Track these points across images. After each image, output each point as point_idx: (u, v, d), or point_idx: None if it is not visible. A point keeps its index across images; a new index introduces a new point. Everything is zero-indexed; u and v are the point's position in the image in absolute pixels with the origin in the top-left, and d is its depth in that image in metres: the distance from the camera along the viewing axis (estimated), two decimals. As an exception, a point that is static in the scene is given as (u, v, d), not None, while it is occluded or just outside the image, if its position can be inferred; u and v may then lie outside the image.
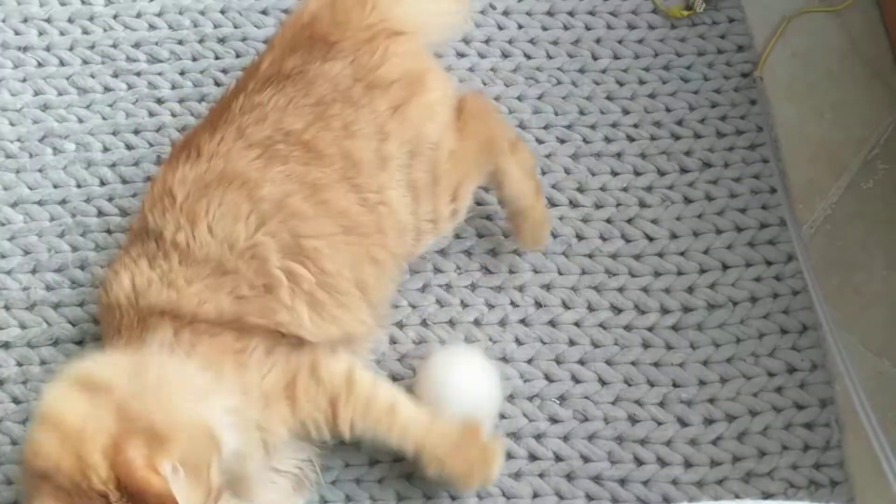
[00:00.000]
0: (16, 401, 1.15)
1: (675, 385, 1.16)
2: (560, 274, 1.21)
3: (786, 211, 1.21)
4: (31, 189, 1.25)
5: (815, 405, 1.15)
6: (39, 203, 1.24)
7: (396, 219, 1.05)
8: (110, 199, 1.24)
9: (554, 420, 1.14)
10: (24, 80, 1.31)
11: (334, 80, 1.04)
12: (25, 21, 1.35)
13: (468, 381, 1.08)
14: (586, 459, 1.12)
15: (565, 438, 1.13)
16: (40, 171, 1.26)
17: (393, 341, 1.17)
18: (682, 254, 1.23)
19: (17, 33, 1.34)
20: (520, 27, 1.36)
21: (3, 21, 1.35)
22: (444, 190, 1.08)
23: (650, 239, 1.23)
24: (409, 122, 1.05)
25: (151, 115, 1.29)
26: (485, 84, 1.32)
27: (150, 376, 0.90)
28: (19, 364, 1.16)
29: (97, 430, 0.84)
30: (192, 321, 0.95)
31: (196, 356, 0.94)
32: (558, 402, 1.15)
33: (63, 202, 1.24)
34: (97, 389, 0.87)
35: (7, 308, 1.19)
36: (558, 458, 1.12)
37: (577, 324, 1.19)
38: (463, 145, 1.10)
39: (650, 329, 1.19)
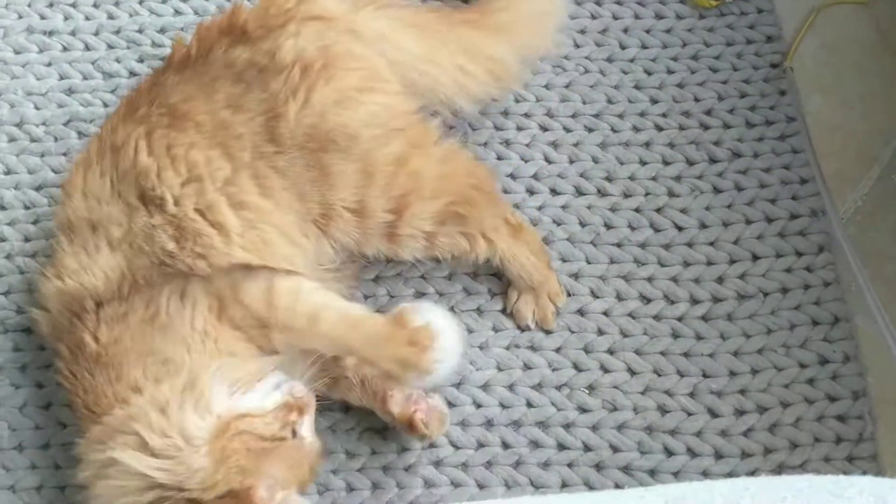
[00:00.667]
0: (39, 385, 1.14)
1: (705, 375, 1.14)
2: (588, 263, 1.20)
3: (825, 199, 1.20)
4: (55, 173, 1.25)
5: (847, 397, 1.13)
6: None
7: (281, 193, 1.01)
8: (135, 184, 1.24)
9: (583, 409, 1.13)
10: (49, 65, 1.31)
11: (231, 62, 1.03)
12: (51, 5, 1.35)
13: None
14: (615, 449, 1.11)
15: (594, 428, 1.12)
16: (65, 154, 1.26)
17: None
18: (711, 244, 1.21)
19: (42, 17, 1.34)
20: (547, 16, 1.35)
21: (29, 5, 1.35)
22: (380, 190, 1.03)
23: (679, 228, 1.22)
24: (313, 109, 1.01)
25: (177, 99, 1.28)
26: (512, 72, 1.31)
27: None
28: (41, 348, 1.15)
29: None
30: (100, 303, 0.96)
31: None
32: (587, 391, 1.14)
33: (88, 186, 1.24)
34: None
35: (30, 291, 1.18)
36: (587, 448, 1.11)
37: (605, 313, 1.17)
38: (430, 169, 1.05)
39: (680, 319, 1.17)
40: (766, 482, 0.56)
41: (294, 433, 0.95)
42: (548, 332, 1.16)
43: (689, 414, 1.13)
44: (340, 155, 1.02)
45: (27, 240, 1.21)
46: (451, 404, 1.12)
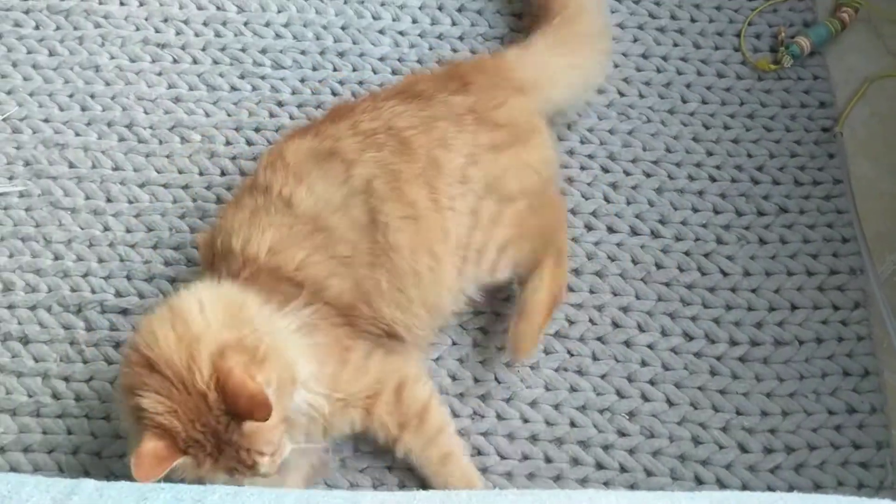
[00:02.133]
0: (130, 363, 1.25)
1: (738, 413, 1.23)
2: (637, 298, 1.29)
3: (865, 258, 1.29)
4: (158, 172, 1.37)
5: (871, 446, 1.21)
6: (165, 186, 1.36)
7: (456, 227, 1.14)
8: (229, 189, 1.35)
9: (622, 433, 1.21)
10: (159, 74, 1.44)
11: (453, 106, 1.17)
12: (165, 21, 1.48)
13: None
14: (649, 473, 1.19)
15: (631, 452, 1.21)
16: (168, 157, 1.38)
17: (476, 344, 1.26)
18: (753, 291, 1.30)
19: (157, 31, 1.47)
20: (615, 66, 1.45)
21: (146, 19, 1.48)
22: (498, 236, 1.16)
23: (724, 274, 1.31)
24: (500, 164, 1.17)
25: (272, 115, 1.41)
26: (579, 115, 1.41)
27: (265, 320, 1.01)
28: (134, 330, 1.27)
29: (213, 337, 0.95)
30: (318, 299, 1.06)
31: (312, 334, 1.04)
32: (627, 417, 1.22)
33: (186, 187, 1.36)
34: (229, 311, 0.99)
35: (129, 278, 1.30)
36: (623, 470, 1.20)
37: (650, 346, 1.26)
38: (532, 219, 1.19)
39: (718, 358, 1.26)
40: (798, 497, 0.64)
41: None
42: (595, 359, 1.25)
43: (721, 447, 1.21)
44: (491, 205, 1.16)
45: (128, 231, 1.33)
46: (500, 417, 1.22)
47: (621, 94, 1.43)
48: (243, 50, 1.46)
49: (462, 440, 1.17)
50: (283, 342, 1.01)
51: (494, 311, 1.28)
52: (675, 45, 1.48)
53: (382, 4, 1.50)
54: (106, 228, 1.33)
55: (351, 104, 1.21)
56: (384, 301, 1.11)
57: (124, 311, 1.28)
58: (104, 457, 1.19)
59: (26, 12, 1.48)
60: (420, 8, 1.50)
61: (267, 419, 0.92)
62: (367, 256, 1.10)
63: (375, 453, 1.19)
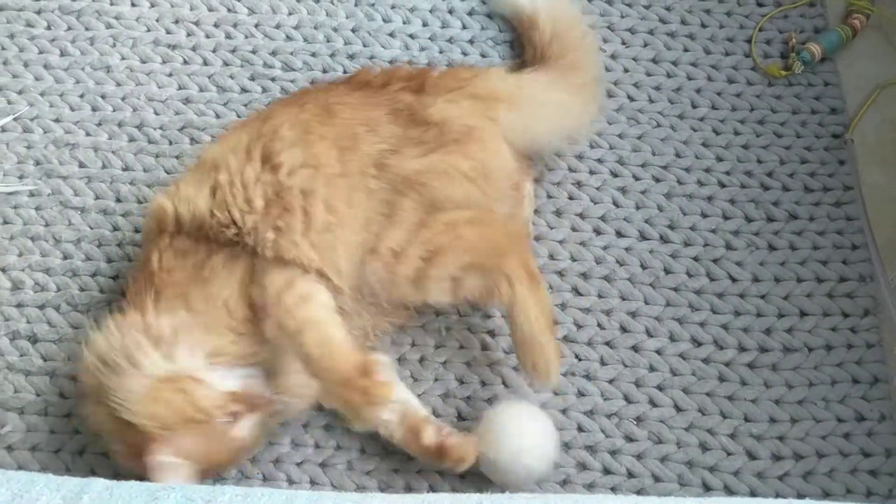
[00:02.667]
0: (138, 363, 1.25)
1: (746, 419, 1.22)
2: (646, 303, 1.29)
3: (875, 265, 1.28)
4: (167, 173, 1.37)
5: (880, 454, 1.20)
6: (174, 187, 1.36)
7: (365, 208, 1.11)
8: (238, 190, 1.36)
9: (629, 439, 1.21)
10: (170, 75, 1.44)
11: (395, 100, 1.18)
12: (176, 22, 1.48)
13: (528, 439, 1.12)
14: (657, 479, 1.19)
15: (639, 457, 1.20)
16: (177, 157, 1.38)
17: (483, 347, 1.26)
18: (762, 297, 1.30)
19: (168, 32, 1.48)
20: (625, 71, 1.45)
21: (157, 20, 1.48)
22: (421, 241, 1.11)
23: (733, 280, 1.30)
24: (423, 162, 1.13)
25: (281, 117, 1.41)
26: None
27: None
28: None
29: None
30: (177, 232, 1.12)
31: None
32: (635, 422, 1.22)
33: (195, 188, 1.36)
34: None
35: (137, 278, 1.30)
36: (631, 475, 1.19)
37: (658, 351, 1.26)
38: (470, 233, 1.12)
39: (727, 364, 1.25)
40: (807, 504, 0.64)
41: (229, 422, 1.03)
42: (603, 364, 1.25)
43: (729, 454, 1.20)
44: (412, 206, 1.12)
45: (137, 231, 1.33)
46: (507, 421, 1.21)
47: (631, 99, 1.43)
48: (254, 52, 1.46)
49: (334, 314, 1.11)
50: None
51: (504, 314, 1.28)
52: (686, 50, 1.47)
53: (393, 7, 1.50)
54: (115, 228, 1.33)
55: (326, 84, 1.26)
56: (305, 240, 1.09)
57: (132, 311, 1.28)
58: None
59: (38, 12, 1.49)
60: (430, 11, 1.50)
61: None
62: (271, 196, 1.09)
63: (382, 455, 1.19)
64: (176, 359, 1.04)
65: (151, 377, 1.02)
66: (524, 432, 1.12)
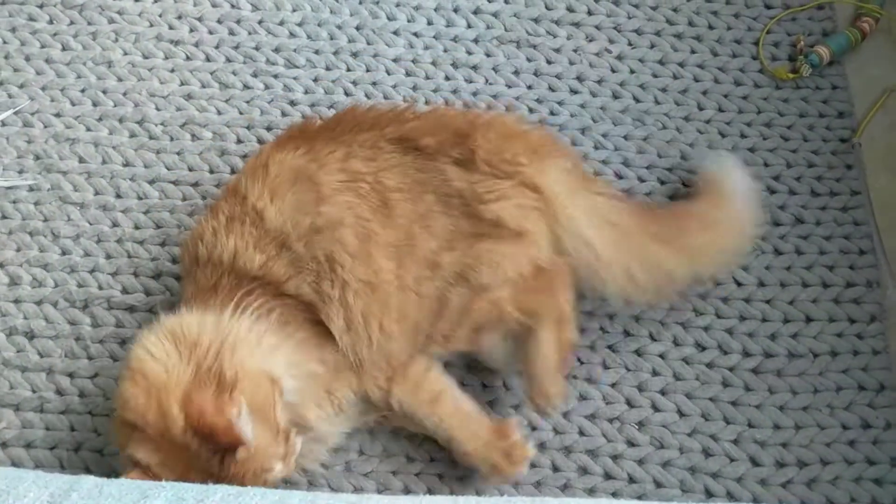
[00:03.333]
0: (135, 360, 1.24)
1: (750, 425, 1.21)
2: (650, 307, 1.27)
3: (883, 271, 1.26)
4: (168, 169, 1.36)
5: (886, 462, 1.18)
6: (174, 183, 1.35)
7: (417, 311, 1.11)
8: (238, 187, 1.34)
9: (631, 444, 1.20)
10: (172, 71, 1.43)
11: (448, 181, 1.12)
12: (180, 18, 1.47)
13: None
14: (658, 485, 1.17)
15: (640, 462, 1.19)
16: (178, 153, 1.37)
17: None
18: (768, 301, 1.28)
19: (170, 28, 1.47)
20: (632, 72, 1.44)
21: (160, 16, 1.47)
22: (468, 323, 1.12)
23: (739, 284, 1.29)
24: (476, 256, 1.11)
25: (284, 115, 1.40)
26: (594, 121, 1.40)
27: (229, 334, 1.01)
28: (141, 327, 1.24)
29: (176, 383, 0.95)
30: (281, 294, 1.07)
31: (280, 323, 1.06)
32: (637, 427, 1.20)
33: (196, 184, 1.35)
34: (183, 344, 0.99)
35: (136, 275, 1.29)
36: (632, 480, 1.18)
37: (661, 356, 1.24)
38: (511, 305, 1.12)
39: (731, 369, 1.24)
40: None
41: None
42: (605, 367, 1.23)
43: (732, 460, 1.19)
44: (461, 293, 1.11)
45: (137, 227, 1.32)
46: (508, 423, 1.20)
47: (637, 100, 1.42)
48: (257, 48, 1.45)
49: (450, 377, 1.15)
50: (250, 345, 1.01)
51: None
52: (693, 52, 1.46)
53: (398, 5, 1.49)
54: (114, 224, 1.32)
55: (356, 122, 1.16)
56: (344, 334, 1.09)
57: (131, 308, 1.27)
58: (107, 454, 1.18)
59: (41, 6, 1.48)
60: (435, 10, 1.49)
61: (250, 443, 0.92)
62: (327, 287, 1.08)
63: (381, 457, 1.18)
64: (274, 363, 1.03)
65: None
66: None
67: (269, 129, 1.38)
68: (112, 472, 1.14)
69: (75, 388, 1.22)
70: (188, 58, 1.44)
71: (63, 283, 1.28)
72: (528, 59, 1.44)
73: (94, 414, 1.21)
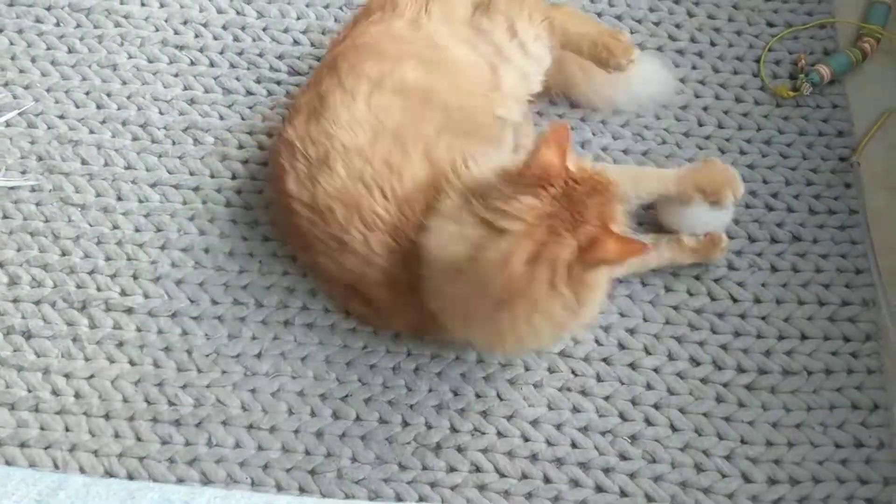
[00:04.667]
0: (131, 362, 1.25)
1: (743, 441, 1.21)
2: (645, 321, 1.28)
3: (878, 290, 1.27)
4: (169, 173, 1.37)
5: (878, 482, 1.18)
6: (176, 187, 1.36)
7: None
8: (238, 193, 1.35)
9: (623, 457, 1.20)
10: (176, 76, 1.44)
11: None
12: (185, 23, 1.48)
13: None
14: (650, 499, 1.17)
15: (632, 476, 1.19)
16: (180, 158, 1.38)
17: (479, 359, 1.25)
18: (763, 318, 1.28)
19: (176, 33, 1.48)
20: (633, 86, 1.45)
21: (166, 21, 1.48)
22: (502, 19, 1.26)
23: (734, 300, 1.29)
24: None
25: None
26: (594, 134, 1.40)
27: None
28: (138, 329, 1.27)
29: None
30: None
31: None
32: (629, 440, 1.21)
33: (196, 189, 1.36)
34: None
35: (135, 277, 1.30)
36: (623, 494, 1.18)
37: (655, 370, 1.25)
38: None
39: (725, 385, 1.24)
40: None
41: None
42: (599, 380, 1.24)
43: (724, 476, 1.19)
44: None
45: (137, 230, 1.33)
46: (500, 434, 1.20)
47: (637, 115, 1.42)
48: (261, 55, 1.46)
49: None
50: None
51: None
52: (694, 67, 1.47)
53: (401, 15, 1.49)
54: (115, 227, 1.33)
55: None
56: None
57: (129, 311, 1.27)
58: (101, 455, 1.19)
59: (48, 8, 1.50)
60: (439, 20, 1.50)
61: None
62: None
63: (373, 464, 1.18)
64: None
65: None
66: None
67: (270, 135, 1.39)
68: (106, 474, 1.15)
69: (71, 388, 1.23)
70: (192, 63, 1.45)
71: (62, 283, 1.29)
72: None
73: (89, 415, 1.21)
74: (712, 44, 1.49)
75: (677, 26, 1.50)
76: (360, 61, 1.19)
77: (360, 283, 1.16)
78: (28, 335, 1.26)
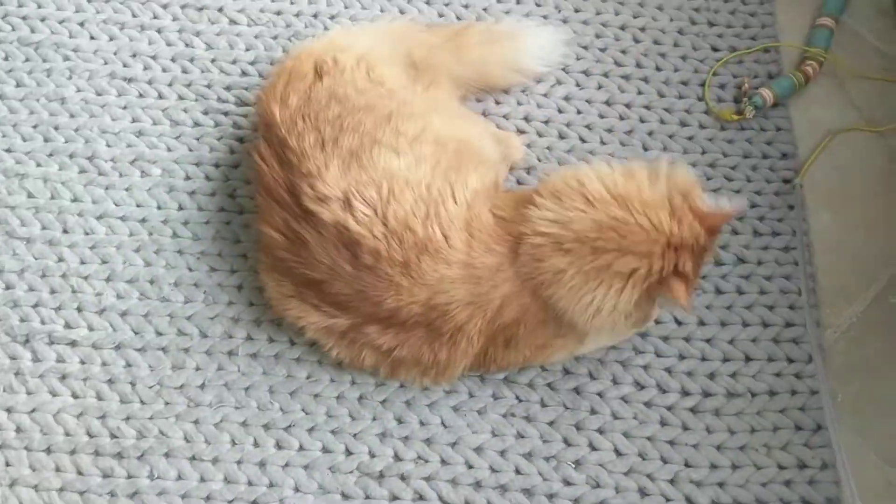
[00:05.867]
0: (74, 395, 1.24)
1: (687, 465, 1.21)
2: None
3: (805, 313, 1.28)
4: (116, 205, 1.37)
5: (821, 503, 1.18)
6: (122, 219, 1.36)
7: None
8: (185, 224, 1.36)
9: (568, 483, 1.20)
10: (124, 108, 1.45)
11: None
12: (134, 56, 1.49)
13: None
14: (594, 525, 1.17)
15: (576, 502, 1.19)
16: (127, 190, 1.39)
17: (424, 387, 1.25)
18: (707, 341, 1.29)
19: (125, 65, 1.49)
20: (578, 112, 1.46)
21: (115, 53, 1.49)
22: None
23: (679, 323, 1.30)
24: None
25: (232, 152, 1.41)
26: (539, 161, 1.41)
27: None
28: (82, 362, 1.26)
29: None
30: None
31: None
32: (573, 465, 1.21)
33: (143, 220, 1.36)
34: None
35: (79, 310, 1.29)
36: (567, 520, 1.18)
37: (600, 394, 1.25)
38: None
39: (669, 408, 1.24)
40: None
41: None
42: (543, 405, 1.24)
43: (668, 500, 1.19)
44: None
45: (83, 262, 1.33)
46: (444, 462, 1.20)
47: (583, 140, 1.44)
48: (209, 86, 1.47)
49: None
50: None
51: (445, 354, 1.27)
52: (640, 92, 1.48)
53: (349, 45, 1.51)
54: (60, 259, 1.33)
55: None
56: None
57: (72, 343, 1.27)
58: (41, 489, 1.18)
59: (-3, 43, 1.51)
60: (387, 50, 1.51)
61: None
62: None
63: (316, 494, 1.18)
64: None
65: None
66: None
67: (217, 166, 1.40)
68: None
69: (12, 423, 1.22)
70: (141, 95, 1.46)
71: (5, 317, 1.29)
72: (477, 101, 1.46)
73: (30, 449, 1.21)
74: (658, 69, 1.51)
75: (623, 52, 1.52)
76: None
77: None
78: (-30, 370, 1.26)
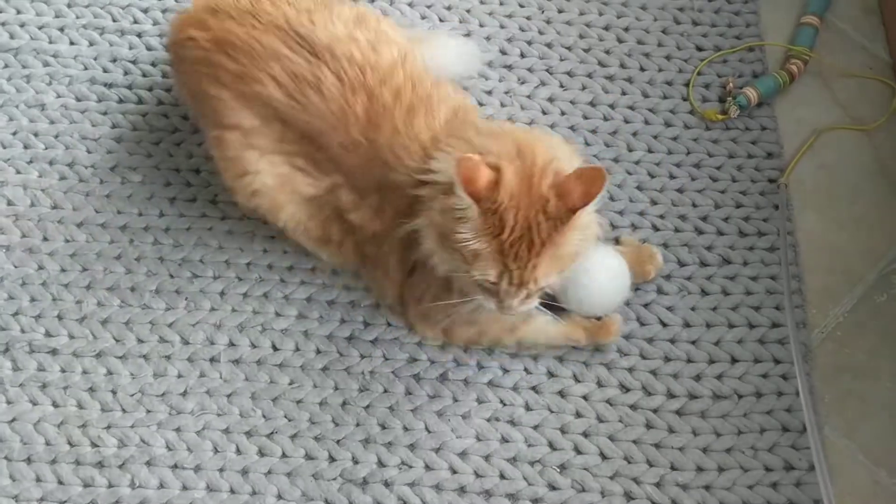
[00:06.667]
0: (54, 404, 1.23)
1: (673, 468, 1.20)
2: (574, 348, 1.27)
3: (787, 313, 1.27)
4: (96, 212, 1.36)
5: (808, 504, 1.18)
6: (102, 226, 1.35)
7: None
8: (166, 230, 1.35)
9: (553, 487, 1.19)
10: (104, 114, 1.44)
11: None
12: (114, 61, 1.48)
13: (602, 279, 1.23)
14: (579, 529, 1.16)
15: (561, 506, 1.18)
16: (107, 196, 1.37)
17: (408, 391, 1.24)
18: (693, 342, 1.28)
19: (105, 71, 1.48)
20: (562, 113, 1.45)
21: (95, 59, 1.48)
22: None
23: (664, 325, 1.29)
24: None
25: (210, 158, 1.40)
26: (524, 162, 1.40)
27: None
28: (62, 370, 1.25)
29: None
30: None
31: None
32: (558, 470, 1.20)
33: (123, 227, 1.35)
34: None
35: (60, 318, 1.28)
36: (552, 525, 1.17)
37: (585, 397, 1.24)
38: None
39: (655, 411, 1.23)
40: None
41: None
42: (528, 409, 1.23)
43: (654, 503, 1.18)
44: None
45: (63, 270, 1.32)
46: (428, 468, 1.19)
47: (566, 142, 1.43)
48: (190, 91, 1.46)
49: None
50: None
51: (430, 359, 1.26)
52: (624, 93, 1.48)
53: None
54: (40, 267, 1.32)
55: None
56: None
57: (53, 352, 1.26)
58: (21, 500, 1.17)
59: (-24, 50, 1.50)
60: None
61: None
62: None
63: (299, 501, 1.17)
64: None
65: None
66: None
67: (197, 171, 1.39)
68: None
69: (-8, 433, 1.21)
70: (121, 100, 1.45)
71: (-15, 326, 1.28)
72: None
73: (10, 459, 1.19)
74: (641, 69, 1.50)
75: (607, 52, 1.51)
76: None
77: None
78: (-51, 380, 1.24)
